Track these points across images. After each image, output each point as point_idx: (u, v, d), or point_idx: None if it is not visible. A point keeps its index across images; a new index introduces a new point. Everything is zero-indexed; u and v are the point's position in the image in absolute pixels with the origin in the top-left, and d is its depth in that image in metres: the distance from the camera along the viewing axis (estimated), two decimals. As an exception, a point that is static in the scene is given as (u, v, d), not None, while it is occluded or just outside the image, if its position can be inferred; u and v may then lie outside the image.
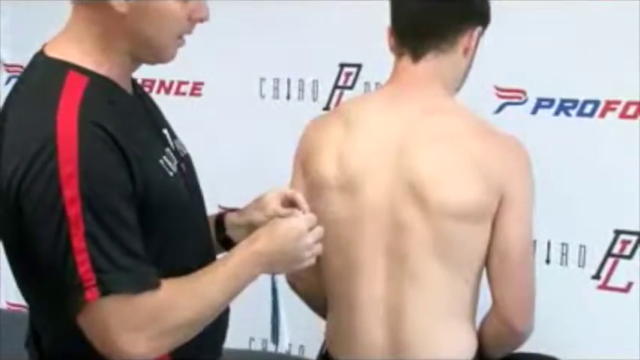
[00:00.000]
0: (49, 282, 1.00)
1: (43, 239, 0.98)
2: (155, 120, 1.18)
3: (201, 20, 1.10)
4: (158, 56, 1.11)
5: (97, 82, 1.04)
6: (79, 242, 0.97)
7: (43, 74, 1.06)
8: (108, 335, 1.01)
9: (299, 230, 1.15)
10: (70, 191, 0.96)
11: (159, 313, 1.04)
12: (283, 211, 1.20)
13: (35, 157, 0.97)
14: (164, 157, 1.11)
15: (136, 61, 1.12)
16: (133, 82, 1.16)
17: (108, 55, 1.07)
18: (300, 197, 1.22)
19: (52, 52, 1.07)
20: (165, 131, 1.18)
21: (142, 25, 1.05)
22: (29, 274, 1.06)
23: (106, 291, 0.98)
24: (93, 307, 0.99)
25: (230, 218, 1.30)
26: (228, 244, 1.26)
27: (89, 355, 1.05)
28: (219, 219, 1.30)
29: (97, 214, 0.97)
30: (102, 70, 1.06)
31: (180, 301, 1.06)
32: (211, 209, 1.29)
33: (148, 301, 1.02)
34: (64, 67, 1.04)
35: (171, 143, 1.18)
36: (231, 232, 1.28)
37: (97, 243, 0.97)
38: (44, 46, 1.09)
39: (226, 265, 1.11)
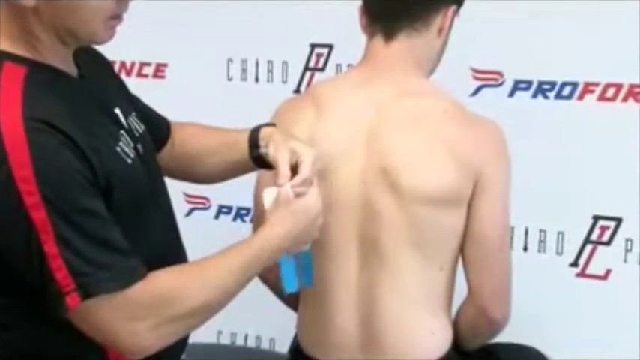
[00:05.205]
0: (28, 285, 0.98)
1: (13, 249, 0.96)
2: (105, 101, 1.13)
3: None
4: (90, 42, 1.06)
5: (35, 71, 1.00)
6: (51, 248, 0.94)
7: None
8: (102, 333, 1.01)
9: (318, 209, 1.14)
10: (32, 197, 0.92)
11: (154, 303, 1.02)
12: (299, 189, 1.15)
13: None
14: (120, 144, 1.08)
15: (71, 46, 1.06)
16: (77, 59, 1.11)
17: (38, 44, 1.01)
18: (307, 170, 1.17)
19: None
20: (117, 111, 1.13)
21: (59, 19, 1.00)
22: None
23: (87, 294, 0.96)
24: (78, 310, 0.97)
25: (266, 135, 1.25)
26: (260, 161, 1.26)
27: (62, 351, 1.04)
28: (254, 137, 1.26)
29: (64, 216, 0.94)
30: (38, 57, 1.02)
31: (182, 289, 1.05)
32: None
33: (137, 294, 1.00)
34: None
35: (125, 123, 1.14)
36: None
37: (69, 245, 0.95)
38: None
39: (241, 251, 1.09)
